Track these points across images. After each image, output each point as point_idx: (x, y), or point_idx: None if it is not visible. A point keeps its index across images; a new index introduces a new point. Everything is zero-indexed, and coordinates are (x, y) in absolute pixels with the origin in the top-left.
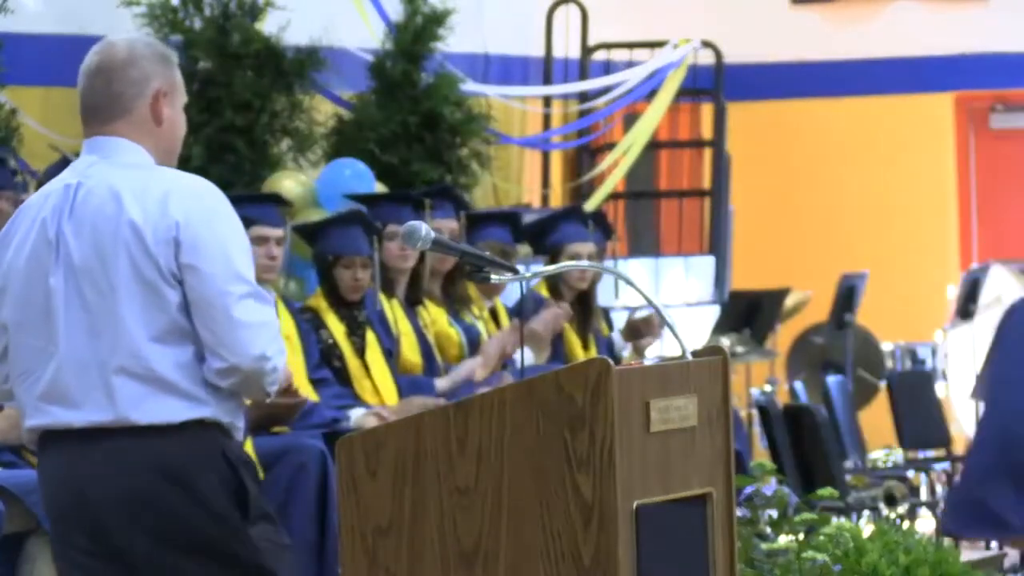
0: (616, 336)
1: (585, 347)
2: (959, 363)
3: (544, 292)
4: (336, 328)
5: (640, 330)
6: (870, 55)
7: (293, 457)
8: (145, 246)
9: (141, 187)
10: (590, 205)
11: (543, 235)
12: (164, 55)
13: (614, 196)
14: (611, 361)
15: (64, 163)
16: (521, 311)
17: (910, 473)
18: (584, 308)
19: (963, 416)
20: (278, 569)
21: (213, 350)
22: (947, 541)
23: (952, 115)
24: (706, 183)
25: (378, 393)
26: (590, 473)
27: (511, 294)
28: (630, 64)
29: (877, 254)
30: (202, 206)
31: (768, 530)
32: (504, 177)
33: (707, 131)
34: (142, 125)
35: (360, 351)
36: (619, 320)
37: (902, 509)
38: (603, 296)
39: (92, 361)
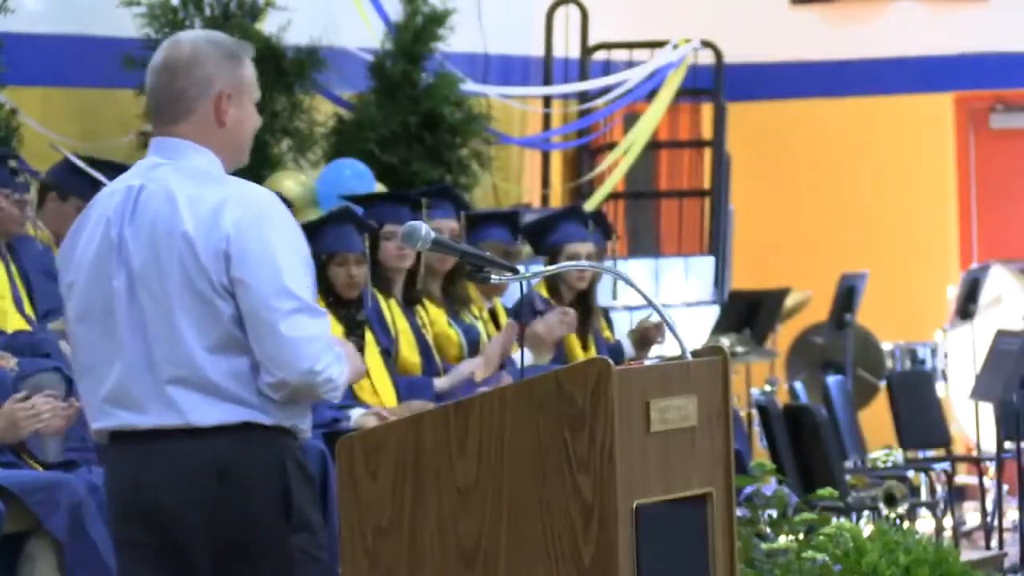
0: (625, 342)
1: (585, 347)
2: (959, 363)
3: (543, 292)
4: (334, 328)
5: (650, 337)
6: (870, 55)
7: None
8: (197, 258)
9: (197, 196)
10: (590, 205)
11: (543, 235)
12: (231, 53)
13: (614, 196)
14: (611, 361)
15: (66, 164)
16: (520, 311)
17: (910, 473)
18: (583, 308)
19: (963, 416)
20: None
21: (263, 364)
22: (947, 541)
23: (952, 115)
24: (706, 183)
25: (377, 393)
26: (590, 473)
27: (512, 294)
28: (630, 64)
29: (877, 254)
30: (253, 218)
31: (768, 530)
32: (504, 177)
33: (707, 131)
34: (206, 126)
35: (359, 351)
36: (619, 320)
37: (902, 509)
38: (603, 296)
39: (149, 368)
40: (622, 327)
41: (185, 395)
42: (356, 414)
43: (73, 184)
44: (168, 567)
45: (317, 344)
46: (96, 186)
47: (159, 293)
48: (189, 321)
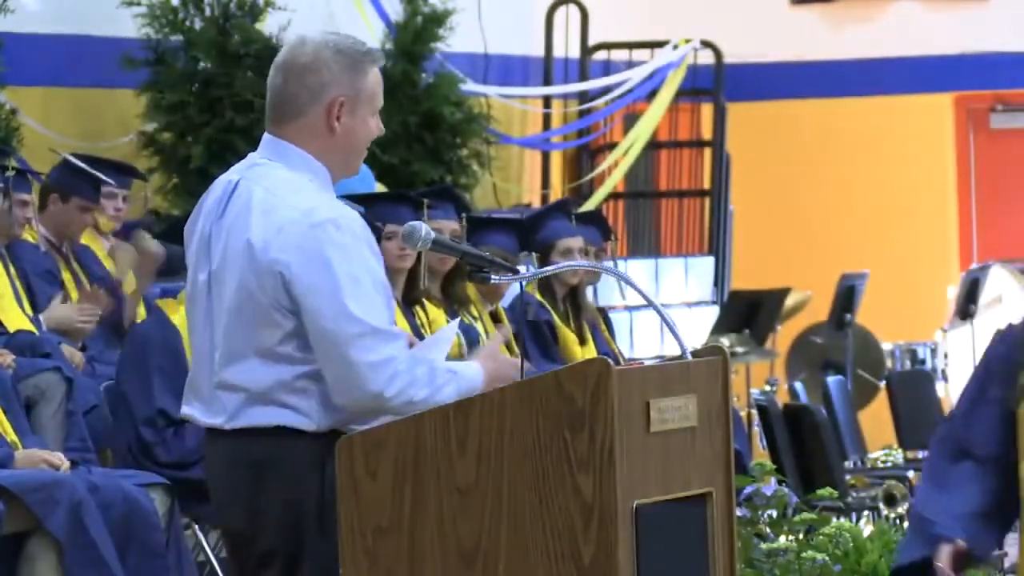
0: None
1: (582, 342)
2: (959, 363)
3: (536, 292)
4: None
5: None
6: (870, 55)
7: None
8: (256, 270)
9: (272, 206)
10: (590, 205)
11: (531, 233)
12: (354, 62)
13: (614, 196)
14: (611, 361)
15: (66, 165)
16: (521, 311)
17: (910, 473)
18: (575, 303)
19: None
20: None
21: (331, 385)
22: None
23: (952, 115)
24: (706, 183)
25: None
26: (590, 473)
27: (509, 296)
28: (630, 64)
29: (877, 254)
30: (318, 239)
31: (768, 530)
32: (504, 177)
33: (707, 131)
34: (313, 131)
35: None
36: (619, 320)
37: (902, 509)
38: (611, 296)
39: (209, 366)
40: (622, 327)
41: (230, 399)
42: None
43: (74, 185)
44: (236, 558)
45: (388, 368)
46: (98, 186)
47: (224, 295)
48: (244, 327)
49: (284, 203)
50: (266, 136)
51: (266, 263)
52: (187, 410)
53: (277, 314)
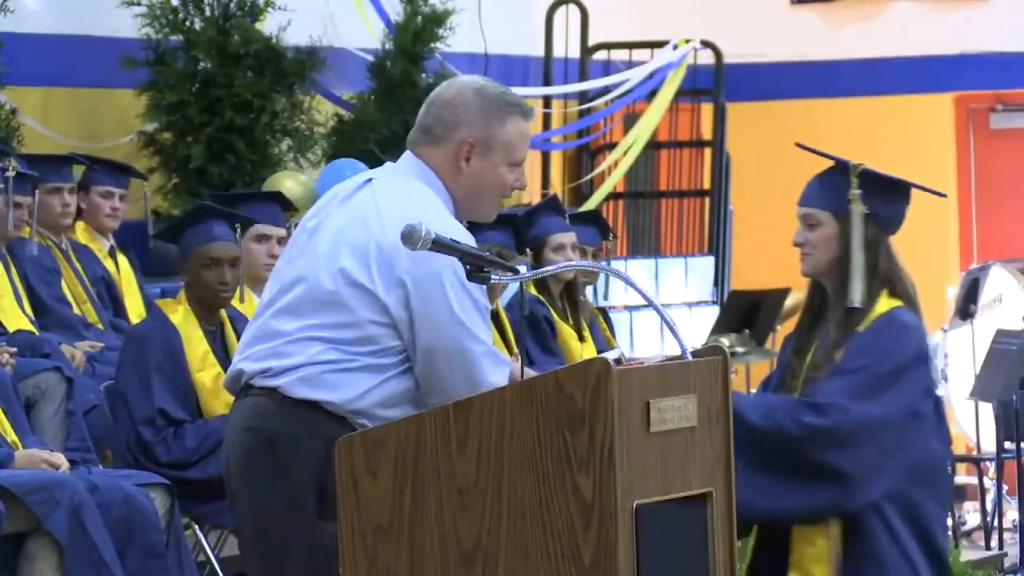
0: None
1: (581, 338)
2: (959, 363)
3: (531, 288)
4: None
5: None
6: (870, 55)
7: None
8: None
9: (361, 217)
10: (590, 205)
11: (524, 230)
12: (496, 108)
13: (614, 196)
14: (611, 361)
15: (65, 160)
16: (521, 310)
17: None
18: (571, 299)
19: (963, 416)
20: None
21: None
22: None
23: (952, 115)
24: (706, 183)
25: None
26: (590, 473)
27: (508, 293)
28: (630, 64)
29: None
30: (418, 275)
31: None
32: None
33: (707, 131)
34: (445, 162)
35: None
36: (619, 321)
37: None
38: (610, 295)
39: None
40: (622, 327)
41: (274, 360)
42: None
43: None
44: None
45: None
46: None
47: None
48: (315, 312)
49: (374, 220)
50: (408, 150)
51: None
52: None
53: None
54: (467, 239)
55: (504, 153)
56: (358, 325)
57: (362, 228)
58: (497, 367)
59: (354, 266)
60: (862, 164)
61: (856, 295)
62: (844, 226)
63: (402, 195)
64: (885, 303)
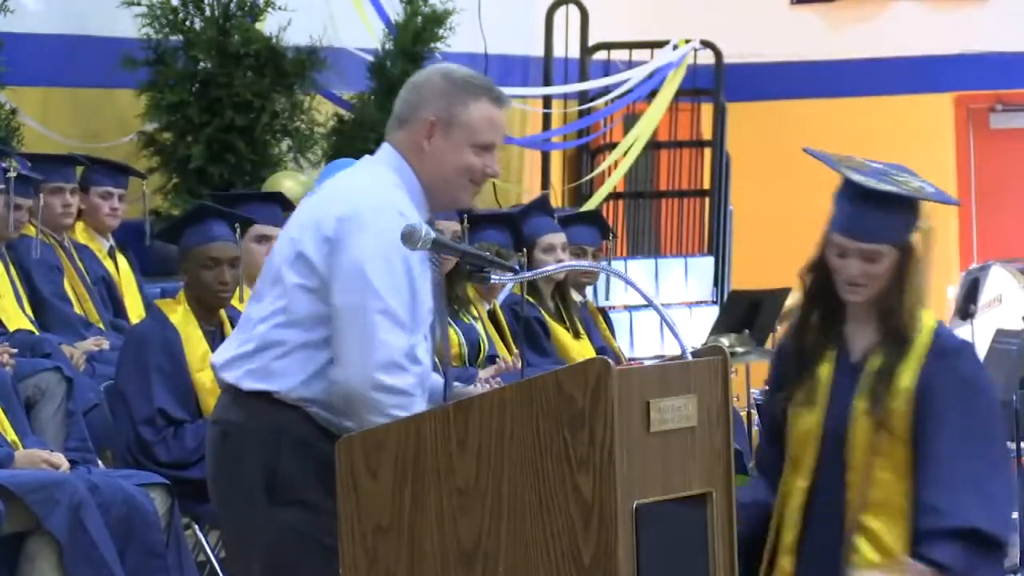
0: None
1: (576, 335)
2: None
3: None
4: None
5: None
6: (870, 55)
7: None
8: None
9: (317, 199)
10: (590, 205)
11: (515, 231)
12: (463, 89)
13: (614, 196)
14: (611, 361)
15: (67, 160)
16: (522, 312)
17: None
18: (562, 297)
19: None
20: (304, 565)
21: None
22: None
23: (952, 115)
24: (706, 183)
25: None
26: (590, 473)
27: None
28: (630, 64)
29: None
30: (343, 230)
31: None
32: (504, 177)
33: (707, 131)
34: (410, 143)
35: None
36: (619, 321)
37: None
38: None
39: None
40: (622, 327)
41: (234, 350)
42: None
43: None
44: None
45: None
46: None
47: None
48: (268, 292)
49: (330, 204)
50: (384, 142)
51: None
52: None
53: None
54: (412, 214)
55: (466, 133)
56: (287, 294)
57: (311, 208)
58: (393, 328)
59: (297, 237)
60: (920, 192)
61: (918, 322)
62: (903, 255)
63: (356, 177)
64: (925, 316)
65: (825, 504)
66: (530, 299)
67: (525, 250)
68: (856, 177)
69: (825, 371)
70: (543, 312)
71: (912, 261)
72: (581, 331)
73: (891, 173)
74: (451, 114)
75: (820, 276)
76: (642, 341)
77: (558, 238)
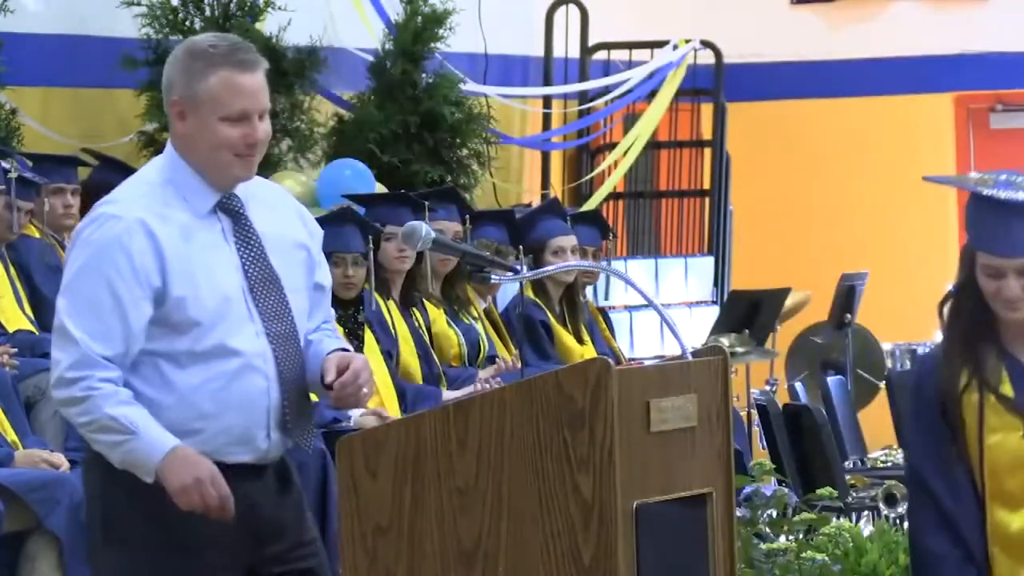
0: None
1: (580, 340)
2: None
3: (528, 291)
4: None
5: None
6: (870, 55)
7: (293, 456)
8: None
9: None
10: (590, 205)
11: (525, 233)
12: (203, 62)
13: (614, 196)
14: (611, 361)
15: (68, 161)
16: (521, 310)
17: None
18: (571, 303)
19: None
20: None
21: None
22: None
23: (952, 115)
24: (706, 183)
25: (378, 393)
26: (590, 473)
27: (507, 293)
28: (630, 64)
29: (877, 254)
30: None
31: (768, 530)
32: (504, 177)
33: (707, 131)
34: (172, 130)
35: (358, 352)
36: (619, 321)
37: (902, 509)
38: (610, 295)
39: None
40: (622, 327)
41: None
42: (356, 414)
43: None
44: None
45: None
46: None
47: None
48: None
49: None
50: None
51: None
52: None
53: None
54: (148, 213)
55: (211, 107)
56: None
57: None
58: (79, 323)
59: None
60: None
61: None
62: None
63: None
64: None
65: None
66: (538, 301)
67: (532, 253)
68: (998, 193)
69: (1006, 389)
70: (549, 315)
71: None
72: (585, 336)
73: (1015, 181)
74: (193, 92)
75: (970, 300)
76: (642, 341)
77: (568, 241)
